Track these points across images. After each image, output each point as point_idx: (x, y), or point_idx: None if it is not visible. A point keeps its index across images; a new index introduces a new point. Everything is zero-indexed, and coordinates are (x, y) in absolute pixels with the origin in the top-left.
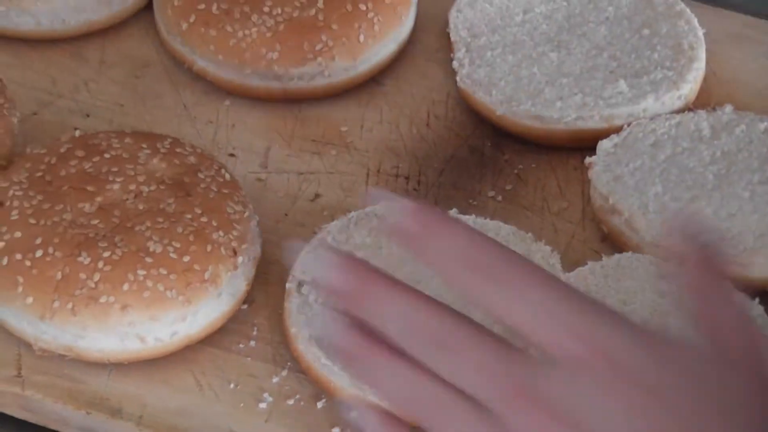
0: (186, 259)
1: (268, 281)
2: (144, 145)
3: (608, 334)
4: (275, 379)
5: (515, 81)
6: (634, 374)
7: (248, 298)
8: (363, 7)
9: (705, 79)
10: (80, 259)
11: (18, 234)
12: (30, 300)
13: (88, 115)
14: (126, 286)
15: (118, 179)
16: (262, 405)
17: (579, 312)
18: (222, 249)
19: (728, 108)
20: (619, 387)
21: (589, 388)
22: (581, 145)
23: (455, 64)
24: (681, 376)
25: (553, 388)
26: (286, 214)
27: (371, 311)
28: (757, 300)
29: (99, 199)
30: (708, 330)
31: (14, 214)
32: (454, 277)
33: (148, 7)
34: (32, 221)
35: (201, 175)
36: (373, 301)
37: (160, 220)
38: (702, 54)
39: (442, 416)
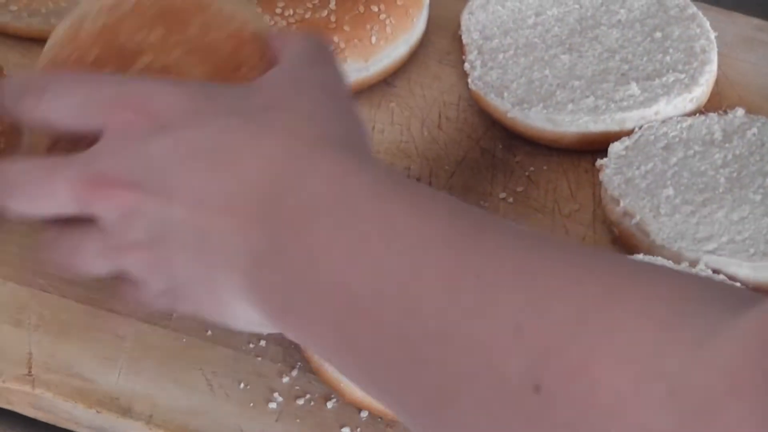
0: None
1: None
2: None
3: (145, 91)
4: (285, 379)
5: (527, 83)
6: (164, 117)
7: None
8: (375, 9)
9: (717, 83)
10: None
11: None
12: None
13: None
14: None
15: None
16: (272, 405)
17: (119, 84)
18: None
19: (740, 111)
20: (152, 132)
21: (130, 142)
22: (592, 147)
23: (467, 66)
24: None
25: (105, 158)
26: None
27: None
28: None
29: None
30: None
31: None
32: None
33: None
34: None
35: None
36: None
37: None
38: (714, 57)
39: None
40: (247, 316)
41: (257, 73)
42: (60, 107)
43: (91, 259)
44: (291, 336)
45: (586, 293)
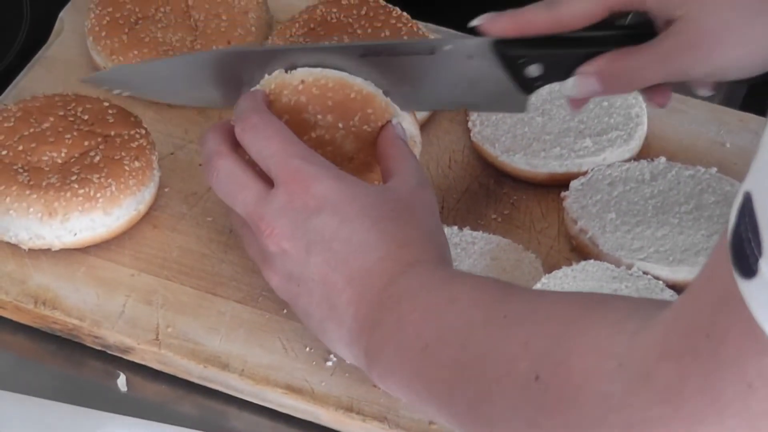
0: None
1: None
2: None
3: (314, 173)
4: None
5: (512, 137)
6: (321, 201)
7: None
8: None
9: (646, 138)
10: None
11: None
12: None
13: None
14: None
15: None
16: (329, 363)
17: (301, 159)
18: None
19: (662, 159)
20: (311, 210)
21: (294, 209)
22: (558, 183)
23: (470, 124)
24: (357, 201)
25: (275, 212)
26: None
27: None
28: None
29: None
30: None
31: None
32: (238, 133)
33: None
34: None
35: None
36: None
37: None
38: (645, 120)
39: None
40: (342, 353)
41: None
42: (257, 147)
43: (251, 250)
44: (374, 375)
45: (565, 317)
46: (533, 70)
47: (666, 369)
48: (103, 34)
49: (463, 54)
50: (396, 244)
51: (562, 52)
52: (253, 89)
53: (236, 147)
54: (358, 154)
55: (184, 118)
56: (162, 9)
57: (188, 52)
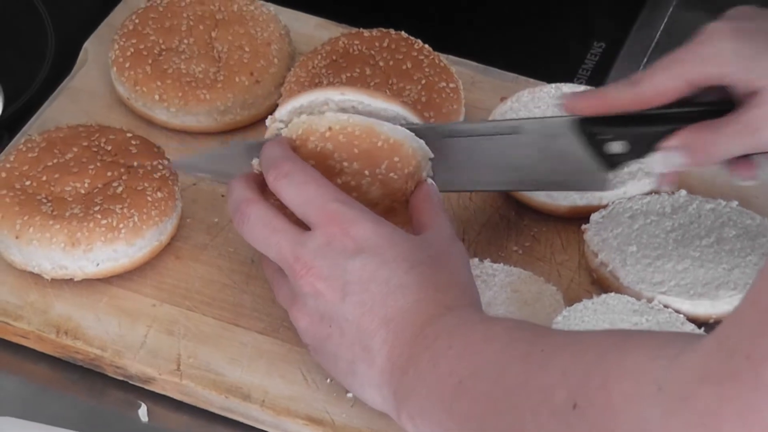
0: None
1: None
2: None
3: (352, 216)
4: None
5: None
6: (360, 243)
7: None
8: (426, 115)
9: None
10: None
11: None
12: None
13: None
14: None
15: None
16: (350, 395)
17: (339, 202)
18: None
19: (683, 192)
20: (350, 252)
21: (333, 250)
22: (579, 216)
23: None
24: (388, 248)
25: (313, 252)
26: None
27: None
28: (702, 329)
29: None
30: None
31: None
32: (270, 182)
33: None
34: None
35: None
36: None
37: None
38: None
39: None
40: (368, 397)
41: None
42: (292, 194)
43: (280, 294)
44: (404, 415)
45: (603, 345)
46: (616, 147)
47: (706, 392)
48: (127, 65)
49: (546, 133)
50: (433, 288)
51: (645, 129)
52: (278, 135)
53: (263, 193)
54: (384, 200)
55: (206, 148)
56: (185, 41)
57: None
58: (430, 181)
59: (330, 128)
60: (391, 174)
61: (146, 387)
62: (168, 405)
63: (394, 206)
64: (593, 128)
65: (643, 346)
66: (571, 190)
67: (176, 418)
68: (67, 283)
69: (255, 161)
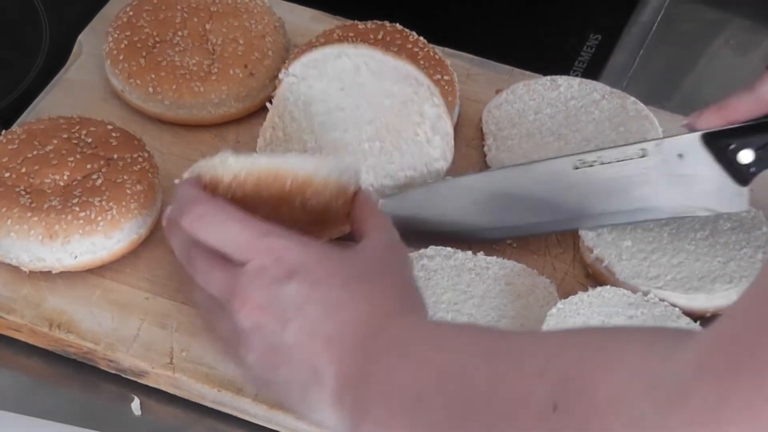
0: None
1: None
2: None
3: (280, 245)
4: None
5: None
6: (292, 268)
7: None
8: None
9: None
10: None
11: None
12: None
13: None
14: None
15: None
16: None
17: (264, 234)
18: None
19: None
20: (282, 278)
21: (266, 280)
22: None
23: (486, 148)
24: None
25: (247, 285)
26: None
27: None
28: (698, 322)
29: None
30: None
31: None
32: (186, 226)
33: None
34: None
35: None
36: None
37: None
38: None
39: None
40: (325, 419)
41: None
42: (213, 234)
43: (222, 330)
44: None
45: (584, 344)
46: (745, 156)
47: (704, 389)
48: (121, 57)
49: (673, 153)
50: (369, 300)
51: None
52: (185, 177)
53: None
54: (312, 217)
55: (200, 141)
56: (179, 33)
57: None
58: (363, 188)
59: (235, 176)
60: (310, 203)
61: (139, 380)
62: (161, 398)
63: (327, 218)
64: (719, 140)
65: (631, 344)
66: (706, 213)
67: (169, 411)
68: (61, 276)
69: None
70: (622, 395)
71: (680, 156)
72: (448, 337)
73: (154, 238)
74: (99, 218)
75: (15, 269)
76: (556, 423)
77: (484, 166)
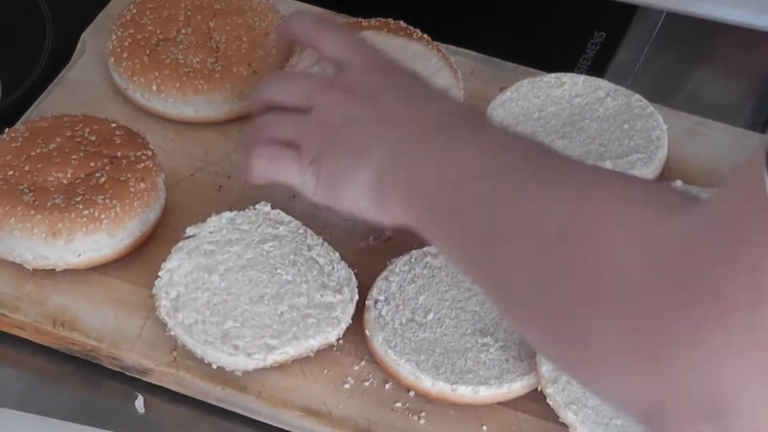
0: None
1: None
2: None
3: (372, 53)
4: (356, 367)
5: None
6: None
7: None
8: None
9: (667, 161)
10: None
11: None
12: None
13: (229, 177)
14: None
15: None
16: (347, 385)
17: (361, 44)
18: None
19: (679, 182)
20: (381, 74)
21: (366, 77)
22: None
23: None
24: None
25: (344, 80)
26: (365, 245)
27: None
28: None
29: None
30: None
31: None
32: (309, 36)
33: None
34: None
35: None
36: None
37: None
38: (665, 143)
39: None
40: (359, 204)
41: None
42: (281, 92)
43: (284, 125)
44: (397, 217)
45: (597, 180)
46: None
47: (684, 265)
48: (125, 55)
49: None
50: (441, 99)
51: None
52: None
53: None
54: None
55: (204, 139)
56: (183, 31)
57: None
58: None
59: None
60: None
61: (143, 378)
62: (164, 396)
63: None
64: None
65: (640, 196)
66: None
67: (173, 409)
68: (64, 274)
69: None
70: (619, 248)
71: None
72: (504, 138)
73: (157, 235)
74: (102, 216)
75: (19, 267)
76: (558, 251)
77: None
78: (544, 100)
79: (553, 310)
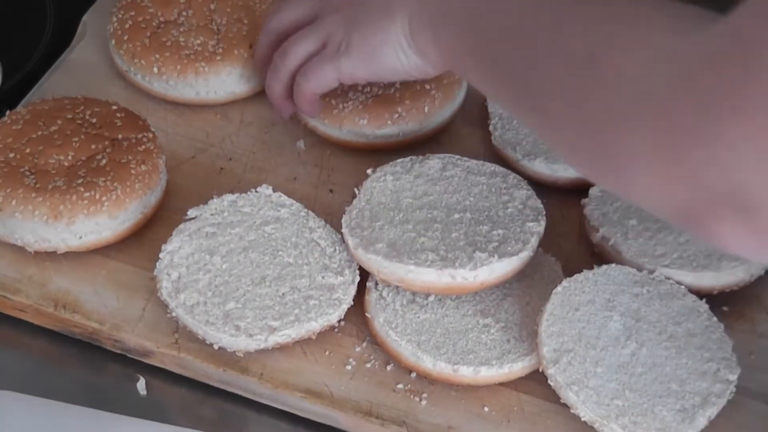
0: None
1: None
2: None
3: None
4: (357, 349)
5: (533, 142)
6: None
7: None
8: (428, 87)
9: None
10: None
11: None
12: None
13: (230, 159)
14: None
15: None
16: (348, 367)
17: None
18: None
19: None
20: None
21: None
22: (579, 188)
23: (491, 127)
24: None
25: None
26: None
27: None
28: (704, 299)
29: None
30: None
31: None
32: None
33: None
34: None
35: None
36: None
37: None
38: None
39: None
40: (399, 58)
41: None
42: (285, 17)
43: (301, 42)
44: (433, 59)
45: (626, 11)
46: None
47: (704, 71)
48: (126, 37)
49: None
50: None
51: None
52: None
53: None
54: None
55: (205, 121)
56: (184, 13)
57: None
58: None
59: None
60: None
61: (145, 360)
62: (166, 378)
63: None
64: None
65: (661, 16)
66: None
67: (174, 391)
68: (65, 256)
69: None
70: (644, 63)
71: None
72: None
73: (158, 218)
74: (104, 198)
75: (20, 250)
76: (587, 72)
77: (489, 145)
78: None
79: (585, 127)
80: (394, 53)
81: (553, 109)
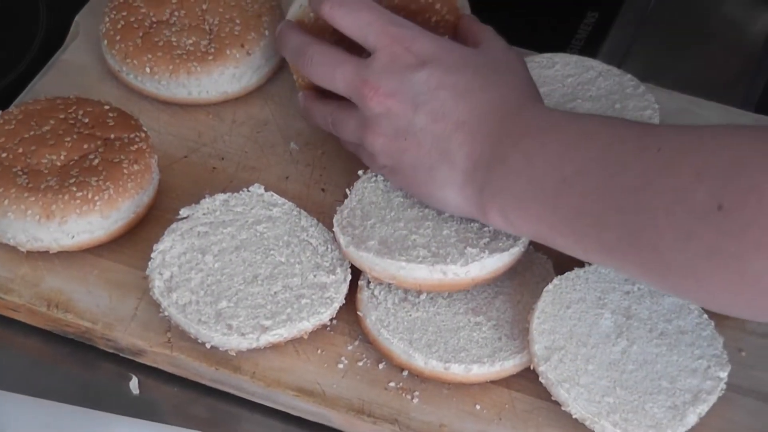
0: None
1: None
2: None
3: (411, 34)
4: (349, 347)
5: None
6: (423, 56)
7: None
8: None
9: None
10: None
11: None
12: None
13: (222, 159)
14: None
15: None
16: (340, 365)
17: (397, 24)
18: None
19: None
20: (414, 66)
21: (398, 67)
22: None
23: None
24: (460, 59)
25: (378, 72)
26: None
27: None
28: None
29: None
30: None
31: None
32: (326, 12)
33: (268, 82)
34: None
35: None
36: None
37: None
38: (657, 122)
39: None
40: (451, 199)
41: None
42: (349, 20)
43: (347, 131)
44: (493, 210)
45: (741, 145)
46: None
47: None
48: (118, 37)
49: None
50: (499, 88)
51: None
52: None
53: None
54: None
55: (197, 121)
56: (176, 13)
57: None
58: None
59: None
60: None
61: (137, 359)
62: (159, 377)
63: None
64: None
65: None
66: None
67: (167, 390)
68: (58, 256)
69: (293, 9)
70: None
71: None
72: (593, 125)
73: (151, 217)
74: (96, 198)
75: (12, 249)
76: (719, 220)
77: None
78: (537, 80)
79: (733, 276)
80: (443, 196)
81: (679, 261)
